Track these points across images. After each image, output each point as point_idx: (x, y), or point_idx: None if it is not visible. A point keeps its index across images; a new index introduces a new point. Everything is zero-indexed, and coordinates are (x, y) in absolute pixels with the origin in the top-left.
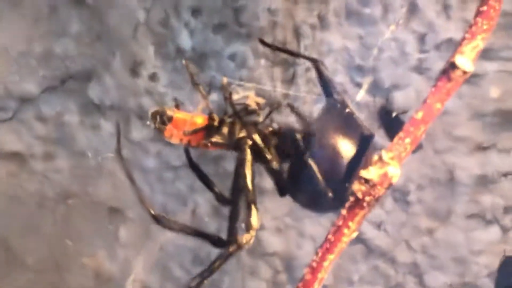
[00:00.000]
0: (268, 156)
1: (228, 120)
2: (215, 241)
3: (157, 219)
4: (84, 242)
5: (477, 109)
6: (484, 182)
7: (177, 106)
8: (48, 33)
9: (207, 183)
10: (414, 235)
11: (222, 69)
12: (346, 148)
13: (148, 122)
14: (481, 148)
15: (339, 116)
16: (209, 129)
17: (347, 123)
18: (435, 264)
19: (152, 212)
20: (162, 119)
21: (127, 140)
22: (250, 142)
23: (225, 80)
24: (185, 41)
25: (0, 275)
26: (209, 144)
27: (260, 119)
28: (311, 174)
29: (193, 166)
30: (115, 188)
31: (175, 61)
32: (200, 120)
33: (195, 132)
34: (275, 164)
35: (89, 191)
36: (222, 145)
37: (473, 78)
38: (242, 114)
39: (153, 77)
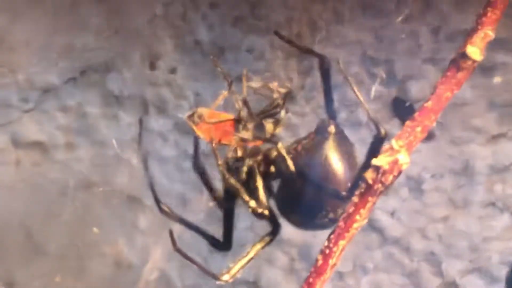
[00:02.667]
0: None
1: (254, 119)
2: (213, 242)
3: (163, 211)
4: (104, 230)
5: (493, 100)
6: (499, 171)
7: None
8: (69, 27)
9: (207, 182)
10: (429, 223)
11: (240, 62)
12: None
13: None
14: (497, 137)
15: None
16: (238, 126)
17: (339, 144)
18: (450, 252)
19: (161, 204)
20: (194, 120)
21: (146, 130)
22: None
23: (245, 71)
24: (203, 34)
25: (22, 262)
26: (239, 141)
27: (283, 114)
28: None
29: (197, 165)
30: (134, 177)
31: (193, 54)
32: (230, 118)
33: (224, 130)
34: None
35: (109, 180)
36: (251, 141)
37: (489, 69)
38: (266, 111)
39: (171, 69)
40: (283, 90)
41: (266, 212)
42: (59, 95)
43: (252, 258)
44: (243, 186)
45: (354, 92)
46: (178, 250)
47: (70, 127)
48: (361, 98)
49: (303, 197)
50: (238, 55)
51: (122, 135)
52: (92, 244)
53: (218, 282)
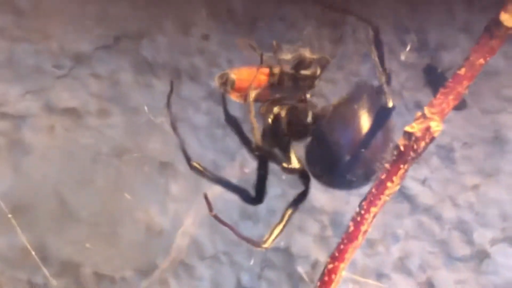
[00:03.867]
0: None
1: (288, 73)
2: (244, 196)
3: (195, 169)
4: (136, 196)
5: None
6: None
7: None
8: None
9: (242, 136)
10: (459, 192)
11: (272, 31)
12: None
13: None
14: None
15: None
16: (272, 85)
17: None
18: (481, 220)
19: (191, 162)
20: (225, 84)
21: (179, 97)
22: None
23: (275, 43)
24: (236, 2)
25: (55, 228)
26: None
27: (318, 71)
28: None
29: (229, 119)
30: (166, 143)
31: (226, 22)
32: (263, 77)
33: (258, 93)
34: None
35: (141, 147)
36: (286, 99)
37: None
38: (300, 68)
39: (204, 37)
40: (319, 59)
41: (298, 166)
42: (92, 62)
43: (287, 222)
44: (275, 142)
45: (375, 60)
46: (215, 216)
47: (103, 94)
48: (380, 68)
49: (335, 156)
50: (271, 24)
51: (154, 102)
52: (124, 211)
53: (257, 249)
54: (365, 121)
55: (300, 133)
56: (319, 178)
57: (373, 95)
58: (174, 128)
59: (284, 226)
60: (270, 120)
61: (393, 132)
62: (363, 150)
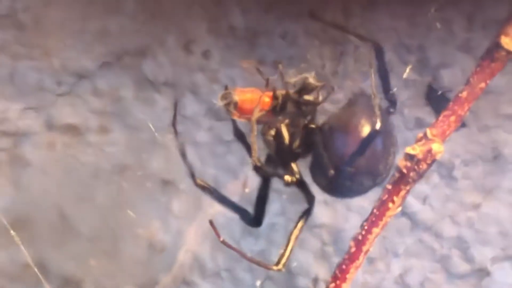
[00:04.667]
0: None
1: (291, 97)
2: (245, 217)
3: (200, 186)
4: (138, 213)
5: None
6: None
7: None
8: (104, 11)
9: (248, 148)
10: (459, 209)
11: (273, 47)
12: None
13: (216, 103)
14: None
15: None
16: (275, 108)
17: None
18: (480, 238)
19: (196, 178)
20: (229, 105)
21: (181, 115)
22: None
23: (280, 67)
24: (237, 19)
25: (55, 242)
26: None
27: (320, 98)
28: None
29: (238, 135)
30: (168, 161)
31: (227, 39)
32: (266, 99)
33: (262, 115)
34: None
35: (143, 164)
36: (288, 122)
37: None
38: (303, 93)
39: (206, 54)
40: (321, 84)
41: (296, 178)
42: (94, 79)
43: (296, 240)
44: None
45: (371, 80)
46: (224, 242)
47: (104, 111)
48: (374, 90)
49: (337, 164)
50: (272, 41)
51: (156, 119)
52: (125, 227)
53: (272, 272)
54: (363, 129)
55: (303, 147)
56: (324, 187)
57: (370, 104)
58: (181, 149)
59: (293, 246)
60: (271, 137)
61: (394, 135)
62: (364, 156)
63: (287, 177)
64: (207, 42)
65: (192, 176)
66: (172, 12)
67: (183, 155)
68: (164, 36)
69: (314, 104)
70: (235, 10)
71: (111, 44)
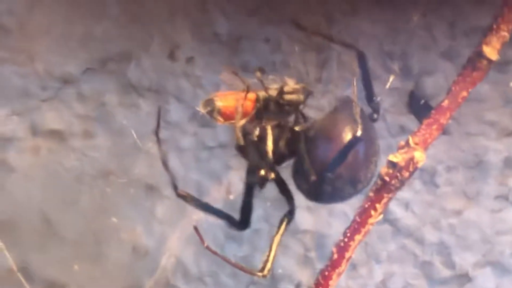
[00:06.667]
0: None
1: (273, 98)
2: (230, 221)
3: (182, 196)
4: (121, 218)
5: (508, 95)
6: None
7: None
8: (88, 16)
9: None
10: (441, 215)
11: (256, 53)
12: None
13: (199, 110)
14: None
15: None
16: (258, 111)
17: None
18: (462, 244)
19: (178, 190)
20: (212, 112)
21: (164, 121)
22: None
23: (258, 74)
24: (221, 24)
25: (39, 247)
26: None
27: (301, 98)
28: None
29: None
30: (152, 166)
31: (211, 45)
32: (249, 103)
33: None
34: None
35: (127, 169)
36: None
37: (505, 64)
38: (283, 93)
39: (190, 60)
40: (302, 88)
41: (272, 176)
42: (78, 84)
43: (277, 246)
44: (255, 151)
45: (353, 88)
46: (208, 248)
47: (88, 116)
48: (355, 98)
49: (320, 171)
50: (255, 46)
51: (140, 124)
52: (109, 231)
53: (256, 278)
54: (344, 136)
55: (287, 149)
56: (305, 193)
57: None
58: (163, 158)
59: (275, 251)
60: (256, 137)
61: (377, 143)
62: (345, 162)
63: (262, 172)
64: (191, 47)
65: (175, 187)
66: (156, 18)
67: (165, 165)
68: (149, 41)
69: (296, 103)
70: (219, 16)
71: (96, 49)
